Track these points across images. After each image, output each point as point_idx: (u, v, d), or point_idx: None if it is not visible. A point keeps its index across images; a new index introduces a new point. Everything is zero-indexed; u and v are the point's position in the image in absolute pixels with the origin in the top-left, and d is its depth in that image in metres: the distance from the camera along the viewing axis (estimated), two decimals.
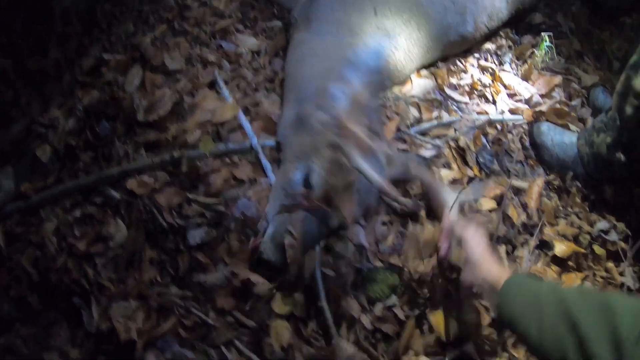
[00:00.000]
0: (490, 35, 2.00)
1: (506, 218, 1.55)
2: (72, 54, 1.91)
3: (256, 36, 1.81)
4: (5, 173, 1.64)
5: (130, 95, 1.64)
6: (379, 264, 1.40)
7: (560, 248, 1.50)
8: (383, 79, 1.62)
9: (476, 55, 1.97)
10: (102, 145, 1.61)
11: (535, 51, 1.98)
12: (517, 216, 1.56)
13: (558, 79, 1.92)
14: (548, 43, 1.96)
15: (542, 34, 2.00)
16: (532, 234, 1.55)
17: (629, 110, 1.49)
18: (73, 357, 1.46)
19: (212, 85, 1.66)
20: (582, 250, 1.52)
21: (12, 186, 1.63)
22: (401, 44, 1.64)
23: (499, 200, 1.56)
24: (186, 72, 1.69)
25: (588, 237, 1.56)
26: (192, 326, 1.34)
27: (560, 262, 1.51)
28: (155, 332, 1.34)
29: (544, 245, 1.53)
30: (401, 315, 1.34)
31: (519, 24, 2.14)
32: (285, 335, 1.27)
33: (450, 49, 1.86)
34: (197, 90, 1.63)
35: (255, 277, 1.31)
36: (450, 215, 1.25)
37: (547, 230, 1.58)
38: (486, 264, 1.05)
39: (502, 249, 1.52)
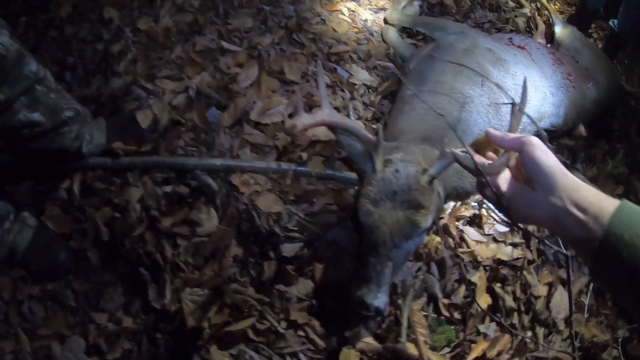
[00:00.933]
0: (570, 131, 2.12)
1: (549, 303, 1.70)
2: (185, 28, 1.94)
3: (369, 71, 1.89)
4: (99, 125, 1.65)
5: (245, 91, 1.69)
6: (444, 315, 1.50)
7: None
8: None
9: (554, 146, 2.08)
10: (207, 131, 1.65)
11: (608, 158, 2.12)
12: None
13: (620, 190, 2.04)
14: (621, 155, 2.11)
15: (618, 145, 2.14)
16: (566, 323, 1.70)
17: None
18: (125, 325, 1.49)
19: None
20: None
21: (103, 141, 1.64)
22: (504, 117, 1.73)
23: (549, 286, 1.69)
24: (302, 86, 1.75)
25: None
26: (263, 330, 1.39)
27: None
28: (226, 327, 1.39)
29: (575, 337, 1.67)
30: None
31: (596, 126, 2.22)
32: None
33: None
34: (310, 109, 1.69)
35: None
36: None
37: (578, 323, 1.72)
38: (572, 182, 0.72)
39: (541, 330, 1.65)
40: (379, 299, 1.19)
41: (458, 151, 1.03)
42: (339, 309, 1.42)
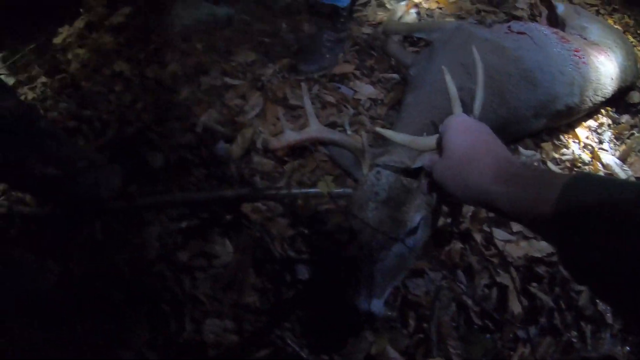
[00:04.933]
0: (592, 112, 2.03)
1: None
2: (191, 70, 2.01)
3: (374, 85, 1.90)
4: (114, 170, 1.71)
5: (251, 122, 1.72)
6: (477, 324, 1.44)
7: None
8: None
9: (578, 130, 2.01)
10: (217, 165, 1.68)
11: (635, 132, 2.00)
12: None
13: None
14: None
15: None
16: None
17: None
18: None
19: (333, 126, 1.73)
20: None
21: (119, 185, 1.69)
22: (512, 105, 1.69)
23: None
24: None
25: None
26: (285, 357, 1.37)
27: None
28: (247, 355, 1.36)
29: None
30: None
31: (618, 102, 2.14)
32: None
33: (556, 120, 1.88)
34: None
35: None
36: None
37: None
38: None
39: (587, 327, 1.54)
40: (370, 303, 1.17)
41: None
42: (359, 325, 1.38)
